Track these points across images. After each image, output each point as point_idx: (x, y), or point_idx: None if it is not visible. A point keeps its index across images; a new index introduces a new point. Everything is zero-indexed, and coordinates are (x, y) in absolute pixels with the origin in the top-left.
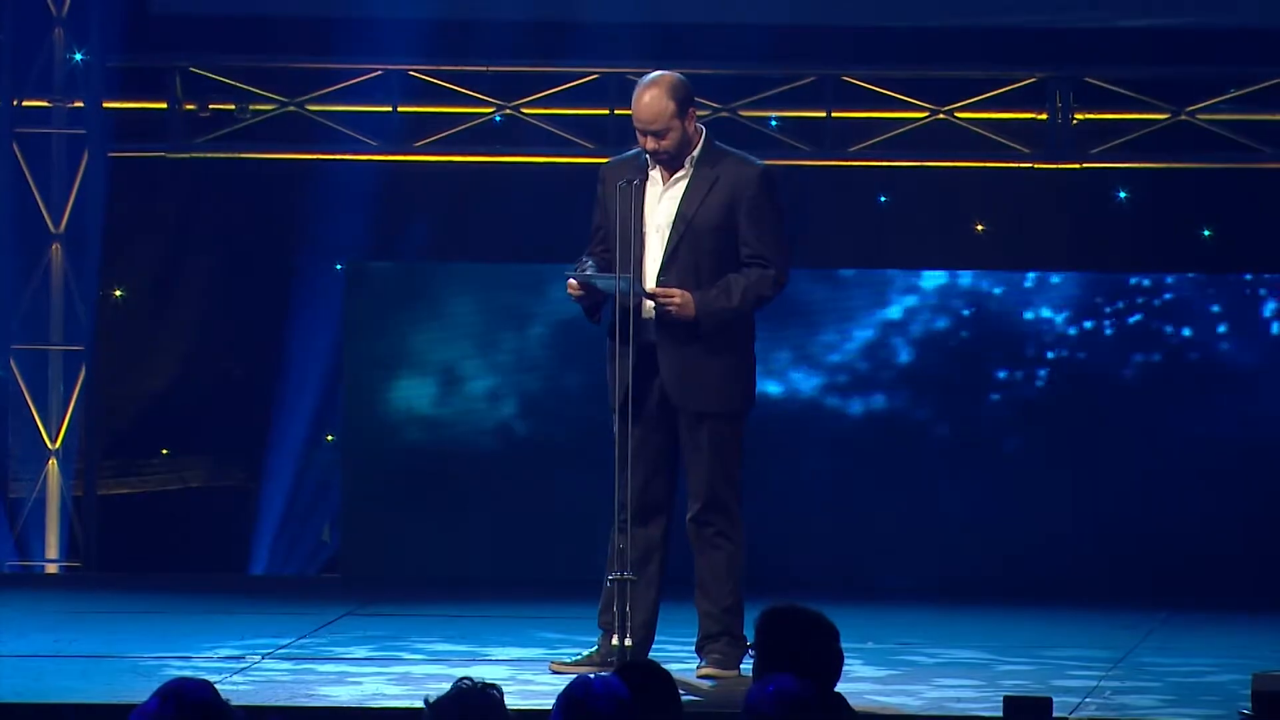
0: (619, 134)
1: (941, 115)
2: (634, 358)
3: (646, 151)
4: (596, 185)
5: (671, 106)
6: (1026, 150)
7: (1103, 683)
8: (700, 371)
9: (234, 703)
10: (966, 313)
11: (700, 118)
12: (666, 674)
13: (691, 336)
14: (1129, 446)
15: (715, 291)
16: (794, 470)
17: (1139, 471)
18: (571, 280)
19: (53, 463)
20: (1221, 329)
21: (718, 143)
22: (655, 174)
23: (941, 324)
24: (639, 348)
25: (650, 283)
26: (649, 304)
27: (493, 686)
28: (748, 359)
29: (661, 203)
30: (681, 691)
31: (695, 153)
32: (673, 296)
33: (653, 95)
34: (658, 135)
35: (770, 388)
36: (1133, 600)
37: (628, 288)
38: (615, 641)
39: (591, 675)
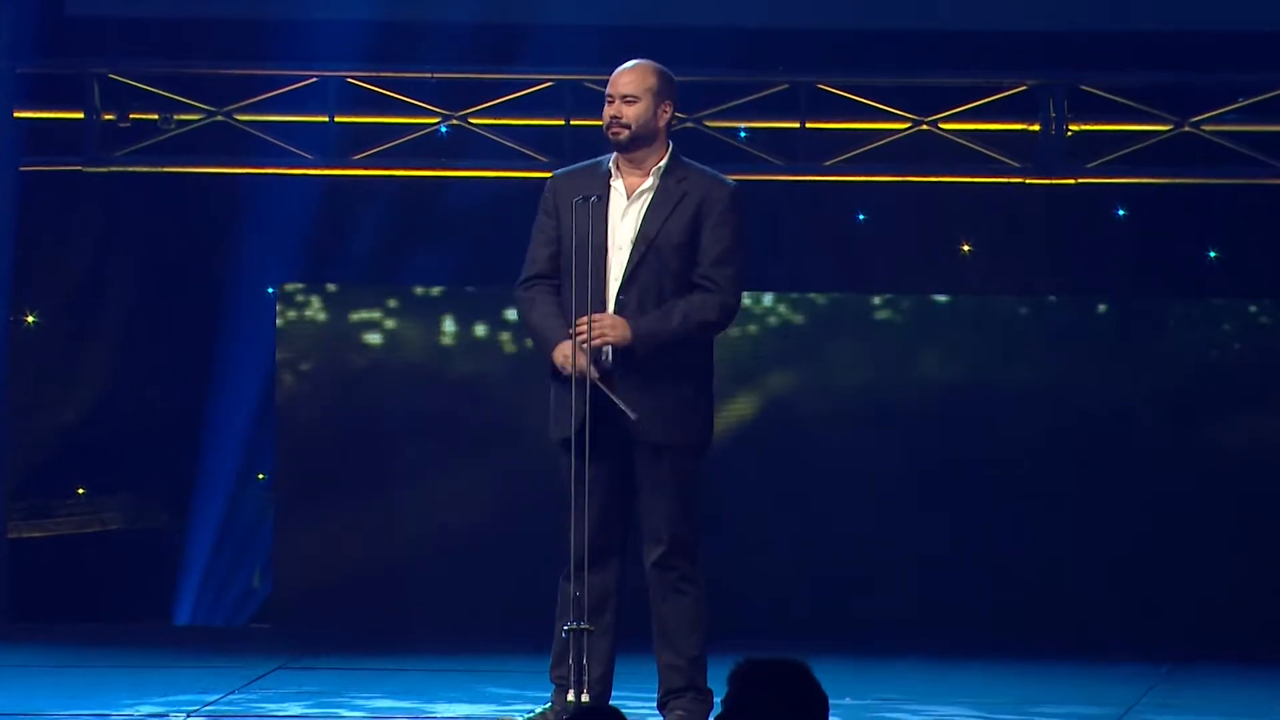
0: (574, 146)
1: (925, 126)
2: (585, 389)
3: (605, 125)
4: (543, 197)
5: (653, 81)
6: (1017, 164)
7: None
8: (660, 401)
9: None
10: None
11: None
12: (620, 715)
13: (647, 364)
14: (1132, 488)
15: (655, 315)
16: (763, 509)
17: (1142, 515)
18: (594, 374)
19: None
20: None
21: (685, 158)
22: (618, 185)
23: (929, 357)
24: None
25: (610, 301)
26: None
27: None
28: (706, 390)
29: (625, 219)
30: None
31: (662, 164)
32: (600, 322)
33: (636, 67)
34: (626, 100)
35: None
36: (1133, 652)
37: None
38: (570, 697)
39: None
